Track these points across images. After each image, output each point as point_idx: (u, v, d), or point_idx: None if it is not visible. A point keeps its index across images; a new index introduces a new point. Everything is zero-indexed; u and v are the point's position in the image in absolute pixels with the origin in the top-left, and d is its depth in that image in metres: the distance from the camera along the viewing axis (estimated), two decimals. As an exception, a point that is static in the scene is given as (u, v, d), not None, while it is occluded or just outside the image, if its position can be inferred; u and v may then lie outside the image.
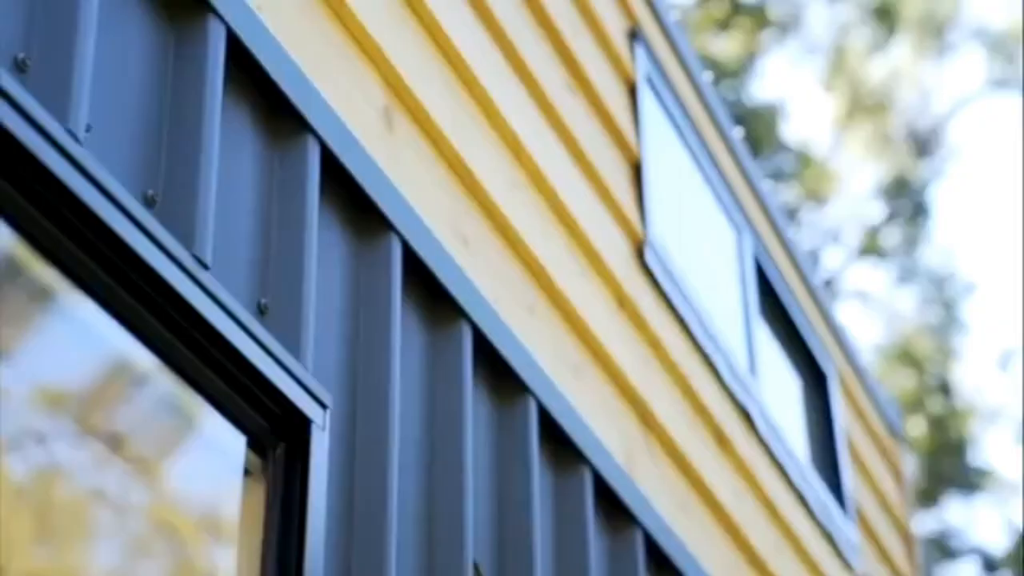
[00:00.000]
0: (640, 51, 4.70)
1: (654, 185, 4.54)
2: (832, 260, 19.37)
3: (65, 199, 2.16)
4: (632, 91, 4.63)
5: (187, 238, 2.41)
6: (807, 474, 5.29)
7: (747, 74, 19.84)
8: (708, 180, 5.16)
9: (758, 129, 19.06)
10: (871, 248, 19.14)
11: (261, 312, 2.62)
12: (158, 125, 2.49)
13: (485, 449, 3.24)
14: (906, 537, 6.62)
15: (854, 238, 19.24)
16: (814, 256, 19.22)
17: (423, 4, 3.38)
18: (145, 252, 2.27)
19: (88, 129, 2.29)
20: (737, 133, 5.58)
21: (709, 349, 4.62)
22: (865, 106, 19.05)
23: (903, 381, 18.23)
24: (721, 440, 4.57)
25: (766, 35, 19.60)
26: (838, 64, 19.21)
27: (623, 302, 4.12)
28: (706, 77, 5.34)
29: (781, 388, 5.66)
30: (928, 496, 17.94)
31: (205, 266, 2.42)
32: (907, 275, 19.03)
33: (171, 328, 2.36)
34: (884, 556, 6.21)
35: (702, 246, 5.03)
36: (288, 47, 2.85)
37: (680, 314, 4.46)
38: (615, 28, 4.61)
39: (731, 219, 5.31)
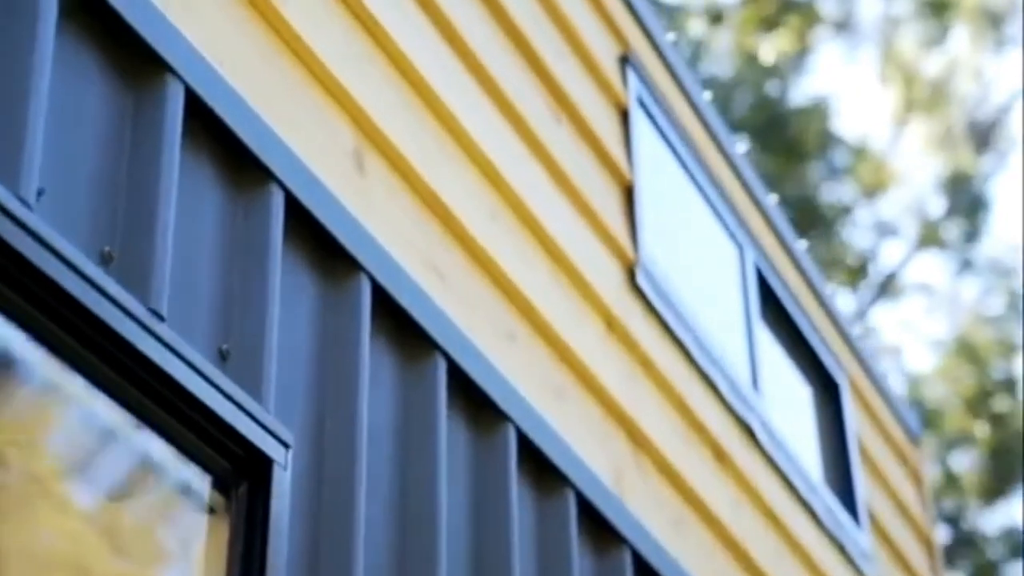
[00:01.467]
0: (632, 75, 4.80)
1: (647, 207, 4.64)
2: (891, 255, 19.38)
3: (18, 264, 2.29)
4: (624, 115, 4.74)
5: (143, 291, 2.54)
6: (815, 484, 5.38)
7: (798, 70, 19.86)
8: (707, 199, 5.25)
9: (811, 125, 19.10)
10: (931, 241, 19.12)
11: (223, 357, 2.74)
12: (116, 184, 2.61)
13: (462, 477, 3.35)
14: (927, 543, 6.68)
15: (914, 232, 19.24)
16: (873, 252, 19.24)
17: (392, 42, 3.50)
18: (99, 310, 2.40)
19: (40, 193, 2.42)
20: (740, 149, 5.67)
21: (706, 366, 4.72)
22: (923, 100, 19.04)
23: (966, 376, 18.19)
24: (719, 455, 4.67)
25: (818, 31, 19.63)
26: (893, 58, 19.21)
27: (612, 324, 4.22)
28: (705, 96, 5.44)
29: (790, 400, 5.75)
30: (994, 493, 17.88)
31: (161, 318, 2.54)
32: (968, 269, 19.01)
33: (131, 380, 2.49)
34: (903, 563, 6.27)
35: (701, 264, 5.13)
36: (252, 98, 2.98)
37: (675, 333, 4.57)
38: (605, 54, 4.72)
39: (732, 236, 5.40)
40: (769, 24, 19.29)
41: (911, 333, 22.05)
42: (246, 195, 2.91)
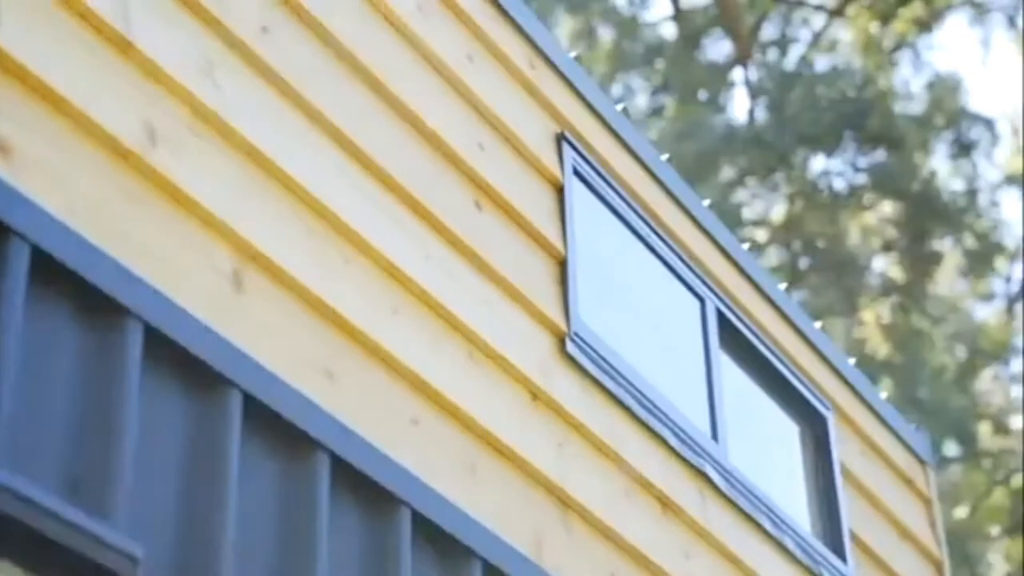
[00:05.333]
0: (568, 150, 5.09)
1: (583, 277, 4.93)
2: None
3: None
4: (560, 191, 5.03)
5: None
6: (786, 521, 5.60)
7: (921, 59, 19.87)
8: (662, 258, 5.51)
9: (941, 104, 19.10)
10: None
11: (74, 484, 3.10)
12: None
13: (352, 564, 3.66)
14: (936, 564, 6.83)
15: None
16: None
17: (271, 161, 3.83)
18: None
19: None
20: (703, 204, 5.90)
21: (651, 422, 4.98)
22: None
23: None
24: (666, 505, 4.93)
25: (944, 14, 19.68)
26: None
27: (537, 395, 4.52)
28: (661, 157, 5.69)
29: (769, 440, 5.98)
30: None
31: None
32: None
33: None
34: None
35: (652, 323, 5.38)
36: (112, 243, 3.33)
37: (614, 394, 4.84)
38: (538, 135, 5.03)
39: (692, 290, 5.65)
40: (888, 15, 19.33)
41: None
42: (101, 332, 3.26)
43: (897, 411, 6.97)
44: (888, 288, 19.05)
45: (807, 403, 6.26)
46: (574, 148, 5.15)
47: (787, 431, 6.17)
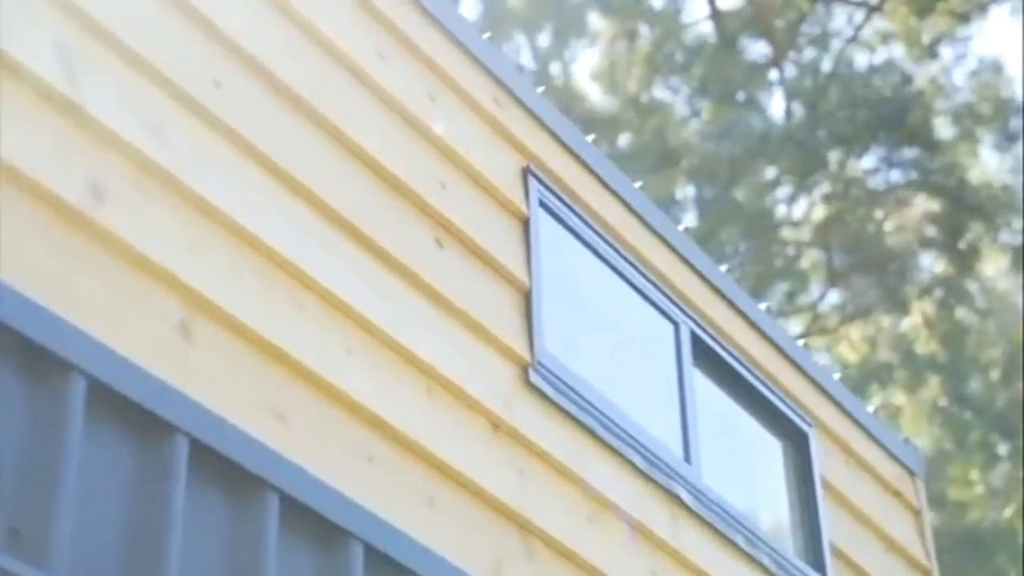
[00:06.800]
0: (534, 183, 5.23)
1: (548, 307, 5.06)
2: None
3: None
4: (526, 224, 5.17)
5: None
6: (762, 537, 5.71)
7: (968, 39, 19.87)
8: (633, 284, 5.64)
9: (984, 95, 19.08)
10: None
11: (14, 534, 3.27)
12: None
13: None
14: (925, 574, 6.91)
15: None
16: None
17: (224, 214, 3.98)
18: None
19: None
20: (679, 227, 6.03)
21: (619, 446, 5.11)
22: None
23: None
24: (634, 527, 5.06)
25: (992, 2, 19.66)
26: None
27: (499, 425, 4.66)
28: (634, 185, 5.82)
29: (749, 460, 6.09)
30: None
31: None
32: None
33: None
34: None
35: (621, 350, 5.51)
36: (56, 299, 3.49)
37: (580, 421, 4.98)
38: (503, 170, 5.16)
39: (666, 314, 5.77)
40: (926, 9, 19.33)
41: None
42: (45, 387, 3.42)
43: (884, 422, 7.07)
44: (932, 284, 19.05)
45: (788, 420, 6.37)
46: (540, 181, 5.29)
47: (769, 449, 6.28)
